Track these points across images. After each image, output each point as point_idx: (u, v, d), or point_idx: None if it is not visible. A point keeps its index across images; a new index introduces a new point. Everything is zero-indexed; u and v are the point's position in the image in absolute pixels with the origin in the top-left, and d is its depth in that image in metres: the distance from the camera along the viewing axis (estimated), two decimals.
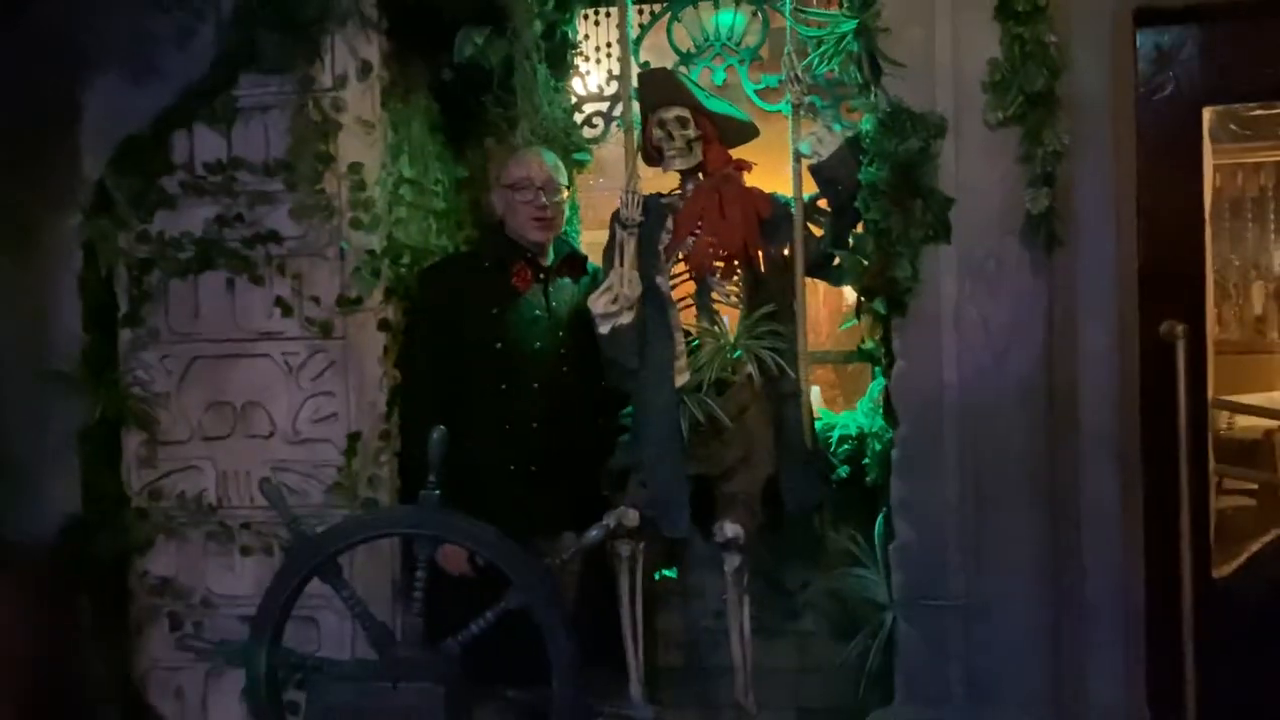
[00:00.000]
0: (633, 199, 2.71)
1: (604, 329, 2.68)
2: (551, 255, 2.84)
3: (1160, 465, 2.66)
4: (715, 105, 2.82)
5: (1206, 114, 2.79)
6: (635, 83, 2.86)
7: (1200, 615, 2.58)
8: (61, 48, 2.95)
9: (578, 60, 3.35)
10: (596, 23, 3.35)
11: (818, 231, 2.83)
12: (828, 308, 5.64)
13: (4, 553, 2.88)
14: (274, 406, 2.94)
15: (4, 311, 3.01)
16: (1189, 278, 2.76)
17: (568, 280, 2.87)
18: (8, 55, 2.88)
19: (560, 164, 2.86)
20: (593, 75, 3.42)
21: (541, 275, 2.81)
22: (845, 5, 2.85)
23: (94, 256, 2.98)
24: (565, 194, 2.84)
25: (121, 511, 2.97)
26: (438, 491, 2.46)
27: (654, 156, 2.84)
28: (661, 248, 2.76)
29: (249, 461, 2.93)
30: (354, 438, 2.86)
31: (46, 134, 2.97)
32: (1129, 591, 2.71)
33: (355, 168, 2.85)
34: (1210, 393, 2.85)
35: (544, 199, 2.75)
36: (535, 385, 2.72)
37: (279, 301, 2.91)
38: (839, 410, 3.36)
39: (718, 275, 2.78)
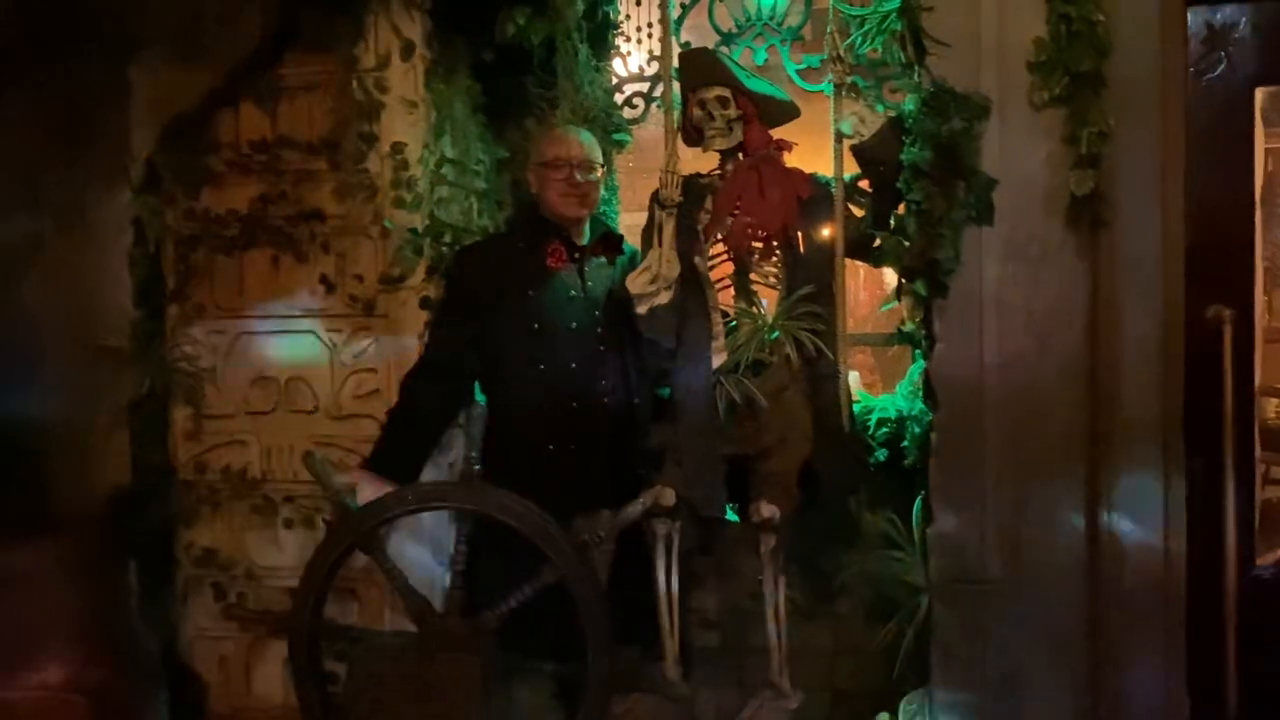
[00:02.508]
0: (672, 179, 2.71)
1: (642, 309, 2.69)
2: (587, 235, 2.84)
3: (1204, 452, 2.61)
4: (756, 85, 2.80)
5: (1259, 95, 2.71)
6: (676, 63, 2.85)
7: (1242, 605, 2.54)
8: (112, 27, 3.00)
9: (619, 40, 3.35)
10: (638, 2, 3.35)
11: (859, 212, 2.82)
12: (868, 291, 5.59)
13: (56, 521, 2.95)
14: (317, 382, 2.99)
15: (57, 287, 3.07)
16: (1237, 263, 2.69)
17: (603, 260, 2.87)
18: (59, 34, 2.92)
19: (595, 143, 2.86)
20: (634, 55, 3.42)
21: (576, 254, 2.81)
22: None
23: (143, 233, 3.03)
24: (600, 172, 2.84)
25: (168, 483, 3.04)
26: (479, 467, 2.49)
27: (694, 136, 2.83)
28: (700, 228, 2.76)
29: (292, 436, 2.98)
30: None
31: (97, 112, 3.01)
32: (1170, 579, 2.67)
33: (398, 147, 2.87)
34: (1258, 380, 2.79)
35: (578, 176, 2.74)
36: (573, 365, 2.73)
37: (323, 279, 2.95)
38: (877, 395, 3.35)
39: (756, 256, 2.78)
